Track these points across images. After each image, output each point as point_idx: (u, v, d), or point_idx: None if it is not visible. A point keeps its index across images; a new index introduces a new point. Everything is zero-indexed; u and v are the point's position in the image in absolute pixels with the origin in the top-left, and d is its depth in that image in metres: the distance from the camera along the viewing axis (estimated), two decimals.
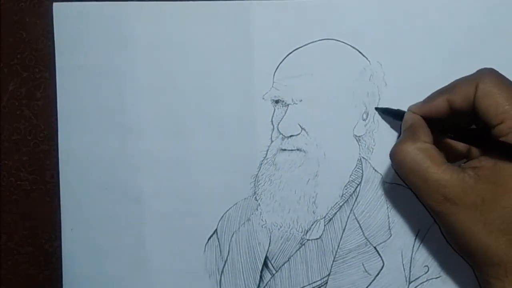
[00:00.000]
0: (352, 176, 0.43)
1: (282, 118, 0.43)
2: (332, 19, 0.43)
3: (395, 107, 0.43)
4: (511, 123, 0.34)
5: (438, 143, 0.38)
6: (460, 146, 0.39)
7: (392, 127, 0.43)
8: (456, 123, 0.38)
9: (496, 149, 0.35)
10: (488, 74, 0.36)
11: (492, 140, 0.35)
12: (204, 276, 0.45)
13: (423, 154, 0.36)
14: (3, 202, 0.46)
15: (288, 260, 0.44)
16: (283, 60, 0.43)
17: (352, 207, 0.43)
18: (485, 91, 0.35)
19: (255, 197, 0.44)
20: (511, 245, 0.33)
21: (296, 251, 0.44)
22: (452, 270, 0.43)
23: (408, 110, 0.40)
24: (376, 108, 0.43)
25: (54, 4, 0.45)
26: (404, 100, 0.43)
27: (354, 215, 0.43)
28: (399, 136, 0.42)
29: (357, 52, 0.43)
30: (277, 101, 0.44)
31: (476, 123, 0.37)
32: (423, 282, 0.43)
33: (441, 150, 0.37)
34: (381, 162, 0.43)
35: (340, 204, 0.43)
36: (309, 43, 0.43)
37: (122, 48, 0.44)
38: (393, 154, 0.37)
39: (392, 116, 0.42)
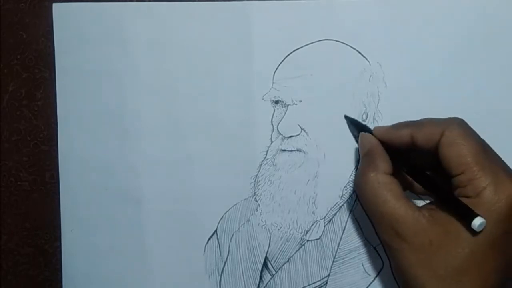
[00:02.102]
0: (352, 177, 0.43)
1: (282, 119, 0.43)
2: (332, 20, 0.43)
3: (395, 108, 0.43)
4: (471, 175, 0.34)
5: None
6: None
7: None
8: (418, 166, 0.38)
9: (450, 204, 0.35)
10: (457, 124, 0.36)
11: (448, 196, 0.35)
12: (204, 277, 0.45)
13: (383, 187, 0.36)
14: (3, 202, 0.46)
15: (288, 260, 0.44)
16: (283, 60, 0.43)
17: (352, 208, 0.43)
18: (450, 140, 0.35)
19: (255, 198, 0.44)
20: None
21: (296, 251, 0.44)
22: None
23: (373, 130, 0.40)
24: (345, 116, 0.43)
25: (54, 4, 0.45)
26: (404, 100, 0.43)
27: (354, 216, 0.43)
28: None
29: (357, 52, 0.43)
30: (277, 102, 0.44)
31: (438, 165, 0.37)
32: None
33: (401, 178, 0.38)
34: None
35: (340, 205, 0.43)
36: (309, 44, 0.43)
37: (122, 49, 0.44)
38: (355, 184, 0.38)
39: (357, 129, 0.42)
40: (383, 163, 0.37)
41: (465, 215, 0.33)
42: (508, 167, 0.36)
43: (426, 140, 0.37)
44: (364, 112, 0.43)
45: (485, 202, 0.33)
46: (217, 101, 0.44)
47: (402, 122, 0.40)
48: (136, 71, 0.45)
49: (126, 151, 0.45)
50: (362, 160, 0.39)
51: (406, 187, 0.40)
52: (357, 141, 0.42)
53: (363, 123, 0.43)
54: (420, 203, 0.39)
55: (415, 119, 0.42)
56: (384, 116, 0.43)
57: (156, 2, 0.44)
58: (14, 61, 0.45)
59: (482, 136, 0.37)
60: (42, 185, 0.46)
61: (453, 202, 0.34)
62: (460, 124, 0.36)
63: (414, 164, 0.38)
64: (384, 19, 0.43)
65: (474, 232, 0.33)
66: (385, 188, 0.36)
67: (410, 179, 0.38)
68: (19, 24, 0.45)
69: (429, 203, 0.37)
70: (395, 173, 0.38)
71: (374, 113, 0.43)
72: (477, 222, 0.32)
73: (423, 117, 0.42)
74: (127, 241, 0.45)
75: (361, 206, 0.42)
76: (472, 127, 0.37)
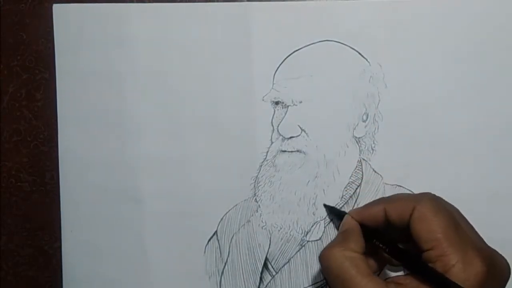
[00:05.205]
0: (352, 178, 0.43)
1: (282, 120, 0.43)
2: (332, 21, 0.43)
3: (395, 109, 0.43)
4: (440, 251, 0.34)
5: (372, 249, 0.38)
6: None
7: (337, 226, 0.43)
8: (392, 240, 0.38)
9: (423, 273, 0.35)
10: (428, 199, 0.36)
11: (420, 264, 0.35)
12: (204, 277, 0.45)
13: (349, 263, 0.35)
14: (3, 203, 0.46)
15: (288, 261, 0.44)
16: (283, 61, 0.43)
17: (352, 209, 0.43)
18: (421, 215, 0.36)
19: (255, 199, 0.44)
20: None
21: (296, 252, 0.44)
22: None
23: (348, 214, 0.41)
24: (324, 205, 0.43)
25: (54, 5, 0.45)
26: (403, 101, 0.43)
27: None
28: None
29: (357, 53, 0.43)
30: (277, 103, 0.44)
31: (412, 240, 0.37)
32: None
33: (374, 257, 0.39)
34: (381, 164, 0.43)
35: (340, 206, 0.43)
36: (309, 45, 0.43)
37: (121, 50, 0.44)
38: (321, 257, 0.38)
39: (336, 216, 0.42)
40: (354, 242, 0.37)
41: (444, 286, 0.33)
42: (480, 240, 0.36)
43: (398, 215, 0.37)
44: (364, 113, 0.43)
45: (453, 279, 0.33)
46: (217, 102, 0.44)
47: (376, 199, 0.40)
48: (136, 72, 0.45)
49: (126, 151, 0.45)
50: (335, 238, 0.40)
51: (384, 263, 0.40)
52: (337, 228, 0.42)
53: (340, 209, 0.43)
54: None
55: (415, 120, 0.43)
56: (384, 116, 0.43)
57: (156, 3, 0.44)
58: (14, 62, 0.45)
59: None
60: (42, 186, 0.46)
61: (429, 273, 0.34)
62: (431, 199, 0.37)
63: (390, 240, 0.38)
64: (384, 20, 0.43)
65: None
66: (352, 263, 0.35)
67: (388, 256, 0.38)
68: (19, 25, 0.45)
69: (396, 277, 0.37)
70: (372, 252, 0.39)
71: (375, 114, 0.43)
72: None
73: (422, 117, 0.43)
74: (127, 241, 0.45)
75: (327, 282, 0.42)
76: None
